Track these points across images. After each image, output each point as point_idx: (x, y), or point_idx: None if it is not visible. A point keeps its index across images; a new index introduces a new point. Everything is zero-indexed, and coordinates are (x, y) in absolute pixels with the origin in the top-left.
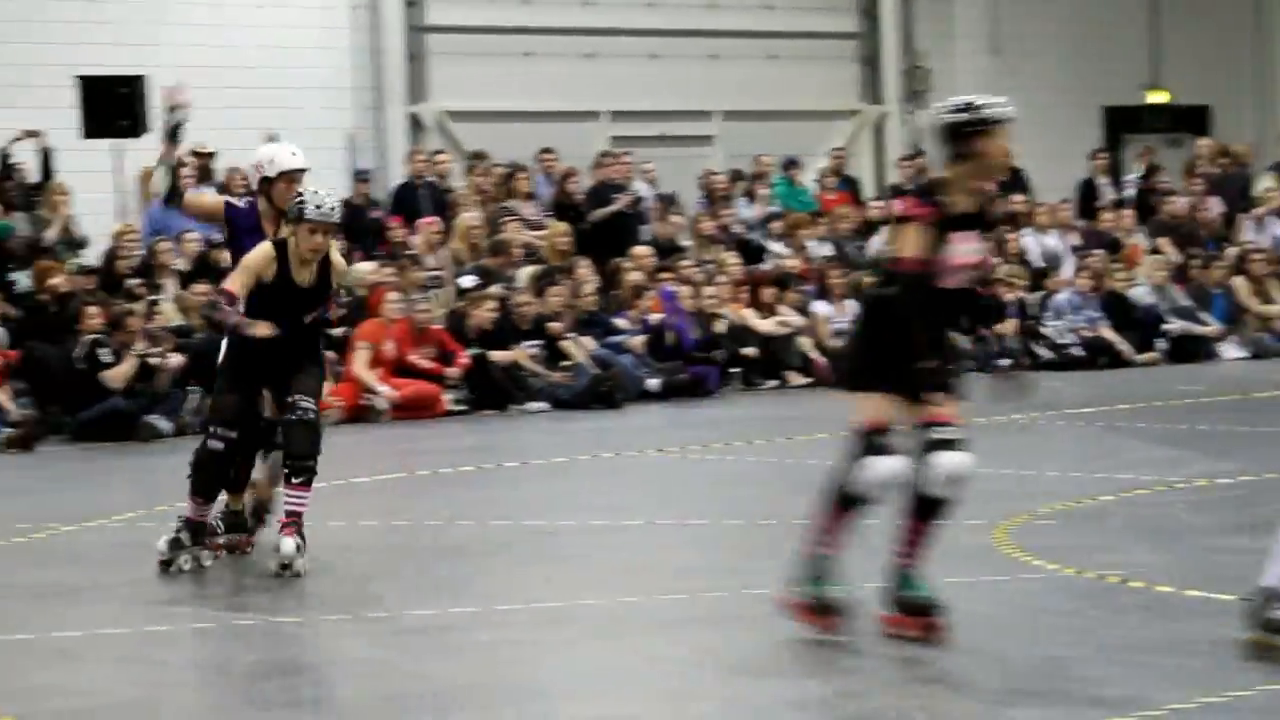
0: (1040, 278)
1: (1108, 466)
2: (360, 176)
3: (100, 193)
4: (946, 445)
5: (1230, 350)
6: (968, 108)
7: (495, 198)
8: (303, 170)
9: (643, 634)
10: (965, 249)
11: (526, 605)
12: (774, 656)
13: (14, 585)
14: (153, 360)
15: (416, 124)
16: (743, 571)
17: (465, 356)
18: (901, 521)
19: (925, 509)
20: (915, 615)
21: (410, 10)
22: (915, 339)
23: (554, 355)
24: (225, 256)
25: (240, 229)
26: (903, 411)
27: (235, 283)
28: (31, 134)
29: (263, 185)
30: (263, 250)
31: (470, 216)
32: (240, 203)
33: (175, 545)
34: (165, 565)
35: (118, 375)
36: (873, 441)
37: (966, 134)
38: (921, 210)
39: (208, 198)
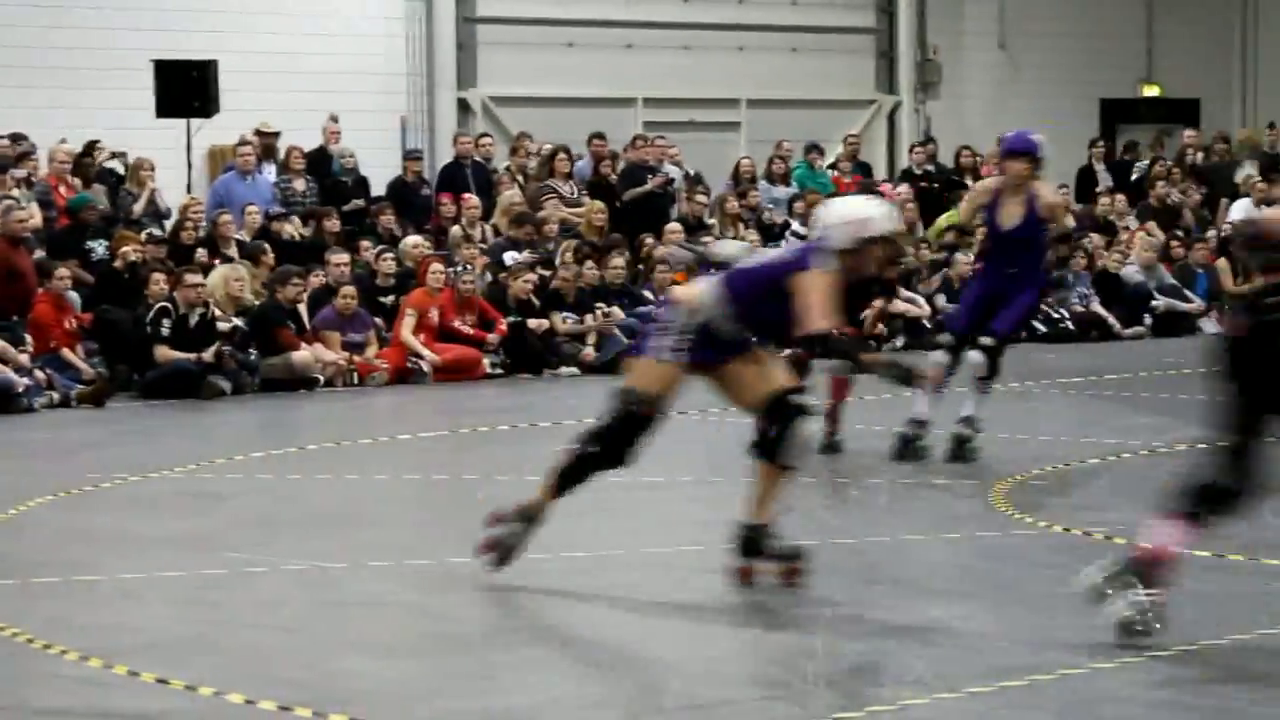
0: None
1: (1096, 432)
2: (411, 156)
3: (171, 168)
4: None
5: (1211, 326)
6: None
7: (536, 177)
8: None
9: (662, 582)
10: None
11: (555, 554)
12: (783, 604)
13: (83, 530)
14: (222, 326)
15: (464, 108)
16: None
17: (504, 324)
18: None
19: None
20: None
21: (461, 3)
22: None
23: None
24: (286, 228)
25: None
26: None
27: None
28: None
29: (862, 244)
30: None
31: (511, 194)
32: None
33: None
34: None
35: (168, 355)
36: None
37: None
38: None
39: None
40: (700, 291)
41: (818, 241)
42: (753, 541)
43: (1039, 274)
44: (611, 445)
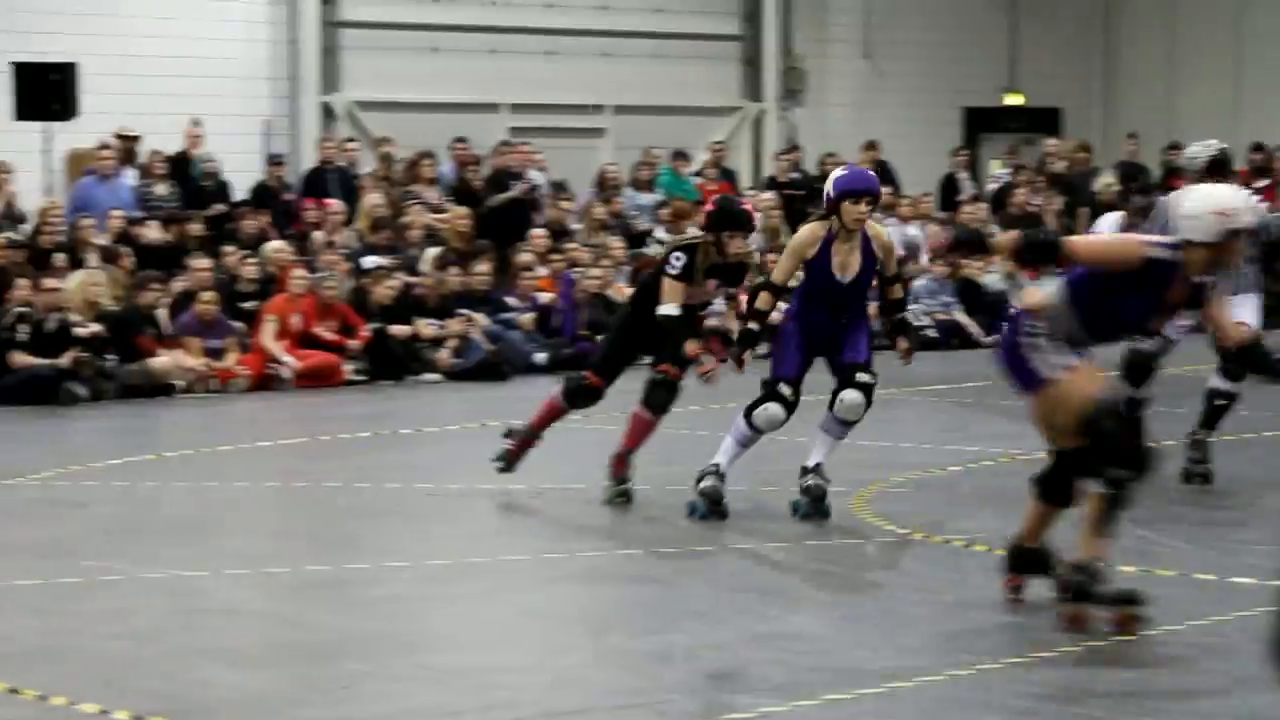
0: (901, 265)
1: (957, 439)
2: (274, 161)
3: (30, 172)
4: None
5: None
6: None
7: (400, 183)
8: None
9: (521, 590)
10: None
11: (416, 562)
12: (642, 611)
13: None
14: (80, 332)
15: (328, 113)
16: (617, 534)
17: (366, 330)
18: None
19: None
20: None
21: (325, 7)
22: None
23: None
24: (146, 233)
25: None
26: None
27: None
28: None
29: (1226, 237)
30: None
31: (373, 199)
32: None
33: None
34: None
35: (22, 361)
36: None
37: None
38: None
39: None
40: (1048, 293)
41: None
42: (1085, 584)
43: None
44: (1129, 454)
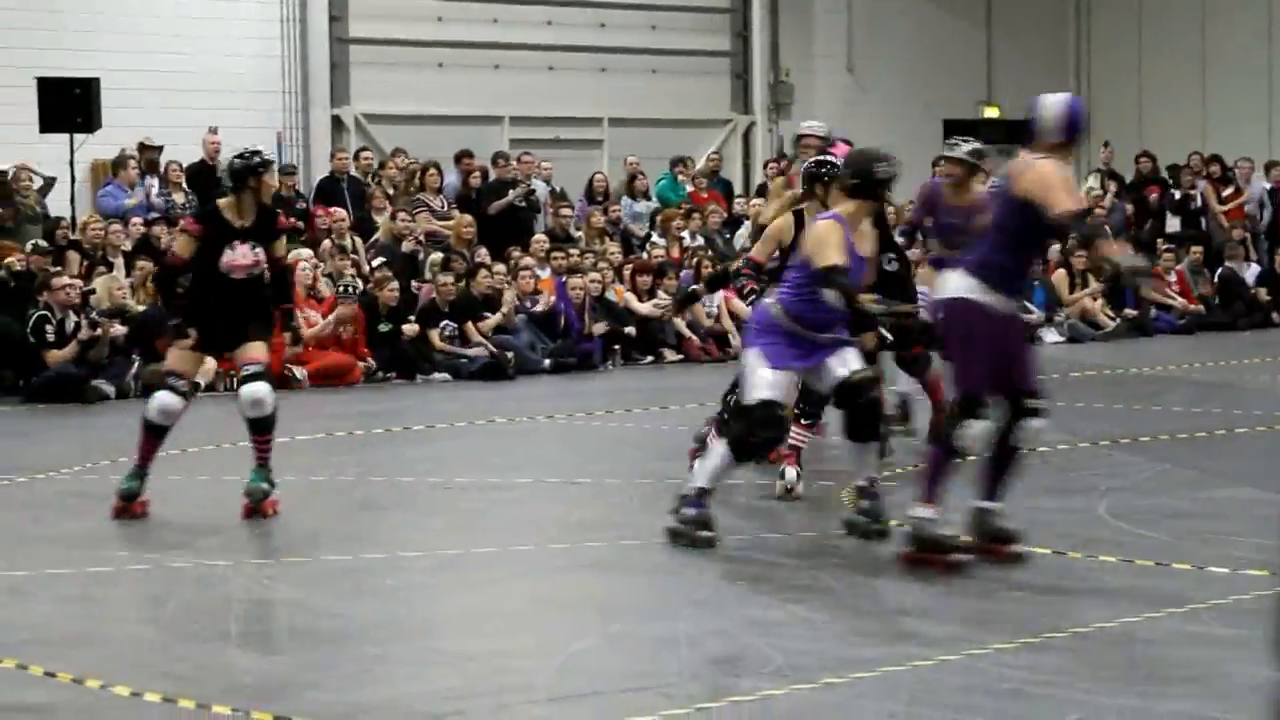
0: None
1: None
2: (286, 171)
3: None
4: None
5: (1050, 335)
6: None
7: (406, 192)
8: None
9: (530, 578)
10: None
11: (428, 552)
12: (646, 599)
13: None
14: (96, 332)
15: (338, 125)
16: (620, 525)
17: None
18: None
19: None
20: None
21: (335, 24)
22: None
23: (461, 331)
24: (167, 238)
25: None
26: None
27: None
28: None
29: None
30: None
31: (388, 221)
32: None
33: None
34: None
35: (57, 357)
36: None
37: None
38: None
39: None
40: None
41: None
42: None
43: None
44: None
